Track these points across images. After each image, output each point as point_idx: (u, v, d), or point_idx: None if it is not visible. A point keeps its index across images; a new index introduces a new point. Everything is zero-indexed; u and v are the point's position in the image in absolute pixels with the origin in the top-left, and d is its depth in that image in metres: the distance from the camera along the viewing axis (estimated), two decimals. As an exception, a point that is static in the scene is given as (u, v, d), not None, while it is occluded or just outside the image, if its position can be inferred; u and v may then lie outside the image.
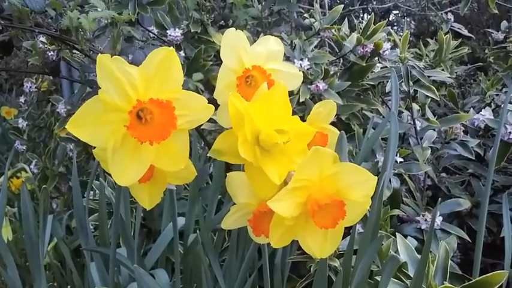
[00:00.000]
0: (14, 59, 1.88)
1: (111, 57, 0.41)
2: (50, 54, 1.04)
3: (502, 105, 0.94)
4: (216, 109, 0.49)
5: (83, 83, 1.08)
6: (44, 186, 0.77)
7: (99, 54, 0.40)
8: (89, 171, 1.16)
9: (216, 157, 0.49)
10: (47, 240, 0.84)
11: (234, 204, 0.53)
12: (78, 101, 1.12)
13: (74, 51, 1.06)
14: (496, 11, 1.32)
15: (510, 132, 0.84)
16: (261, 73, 0.52)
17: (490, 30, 1.49)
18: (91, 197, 0.97)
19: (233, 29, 0.52)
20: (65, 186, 1.23)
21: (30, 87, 1.26)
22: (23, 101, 1.31)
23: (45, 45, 1.05)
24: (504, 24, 1.43)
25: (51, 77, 1.31)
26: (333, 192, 0.45)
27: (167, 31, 1.03)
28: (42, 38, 1.06)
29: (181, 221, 0.80)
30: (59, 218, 1.03)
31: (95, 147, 0.51)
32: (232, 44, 0.51)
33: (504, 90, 1.16)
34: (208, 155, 0.49)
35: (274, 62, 0.54)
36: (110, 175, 0.43)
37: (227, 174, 0.54)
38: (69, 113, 1.13)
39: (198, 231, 0.70)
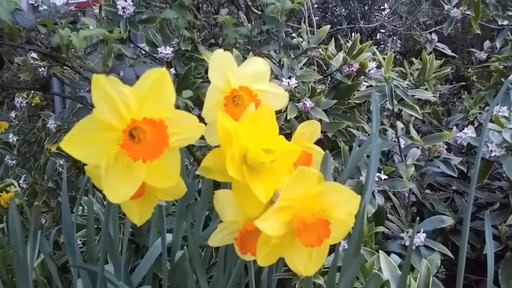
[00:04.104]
0: (6, 73, 1.87)
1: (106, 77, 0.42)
2: (40, 70, 1.05)
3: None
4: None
5: (73, 99, 1.09)
6: (36, 203, 0.77)
7: (94, 74, 0.42)
8: (78, 186, 1.16)
9: (204, 175, 0.50)
10: (36, 257, 0.83)
11: (222, 221, 0.54)
12: (68, 117, 1.12)
13: (65, 67, 1.07)
14: (479, 32, 1.36)
15: (491, 151, 0.86)
16: (248, 93, 0.53)
17: (473, 49, 1.53)
18: (79, 213, 0.97)
19: (221, 50, 0.53)
20: (53, 202, 1.22)
21: (21, 102, 1.27)
22: (13, 116, 1.31)
23: (36, 62, 1.06)
24: (487, 44, 1.48)
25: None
26: (318, 210, 0.46)
27: (158, 49, 1.05)
28: (34, 54, 1.07)
29: (168, 237, 0.81)
30: (47, 233, 1.02)
31: (86, 164, 0.52)
32: (220, 64, 0.53)
33: (487, 108, 1.20)
34: (196, 173, 0.50)
35: (261, 83, 0.55)
36: (101, 191, 0.44)
37: (215, 191, 0.55)
38: (59, 129, 1.14)
39: (185, 247, 0.70)
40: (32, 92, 1.32)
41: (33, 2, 1.26)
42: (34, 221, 0.77)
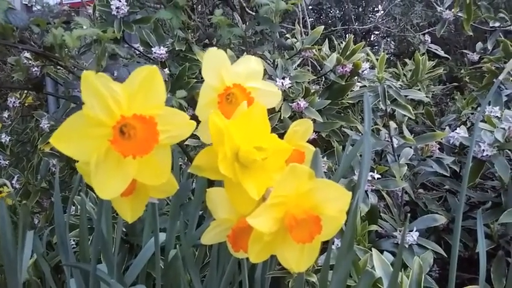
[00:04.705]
0: (-1, 73, 1.86)
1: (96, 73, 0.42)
2: (34, 70, 1.05)
3: (476, 124, 0.97)
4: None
5: (67, 98, 1.09)
6: (24, 202, 0.77)
7: (84, 71, 0.41)
8: (72, 186, 1.16)
9: (196, 173, 0.50)
10: (27, 257, 0.83)
11: (215, 219, 0.54)
12: (61, 117, 1.12)
13: (59, 67, 1.07)
14: (471, 33, 1.37)
15: (483, 150, 0.86)
16: (242, 91, 0.54)
17: (466, 51, 1.54)
18: (73, 213, 0.96)
19: (215, 48, 0.53)
20: (47, 202, 1.22)
21: (14, 102, 1.26)
22: (6, 116, 1.31)
23: (30, 61, 1.06)
24: (479, 45, 1.49)
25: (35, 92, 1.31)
26: (309, 207, 0.46)
27: (152, 49, 1.05)
28: (27, 54, 1.07)
29: (162, 236, 0.80)
30: (40, 233, 1.02)
31: (77, 161, 0.52)
32: (214, 62, 0.53)
33: (479, 108, 1.20)
34: (188, 171, 0.50)
35: (254, 81, 0.56)
36: (92, 189, 0.44)
37: (207, 190, 0.55)
38: (53, 129, 1.14)
39: (177, 246, 0.70)
40: (25, 92, 1.31)
41: (26, 2, 1.26)
42: (23, 220, 0.76)
